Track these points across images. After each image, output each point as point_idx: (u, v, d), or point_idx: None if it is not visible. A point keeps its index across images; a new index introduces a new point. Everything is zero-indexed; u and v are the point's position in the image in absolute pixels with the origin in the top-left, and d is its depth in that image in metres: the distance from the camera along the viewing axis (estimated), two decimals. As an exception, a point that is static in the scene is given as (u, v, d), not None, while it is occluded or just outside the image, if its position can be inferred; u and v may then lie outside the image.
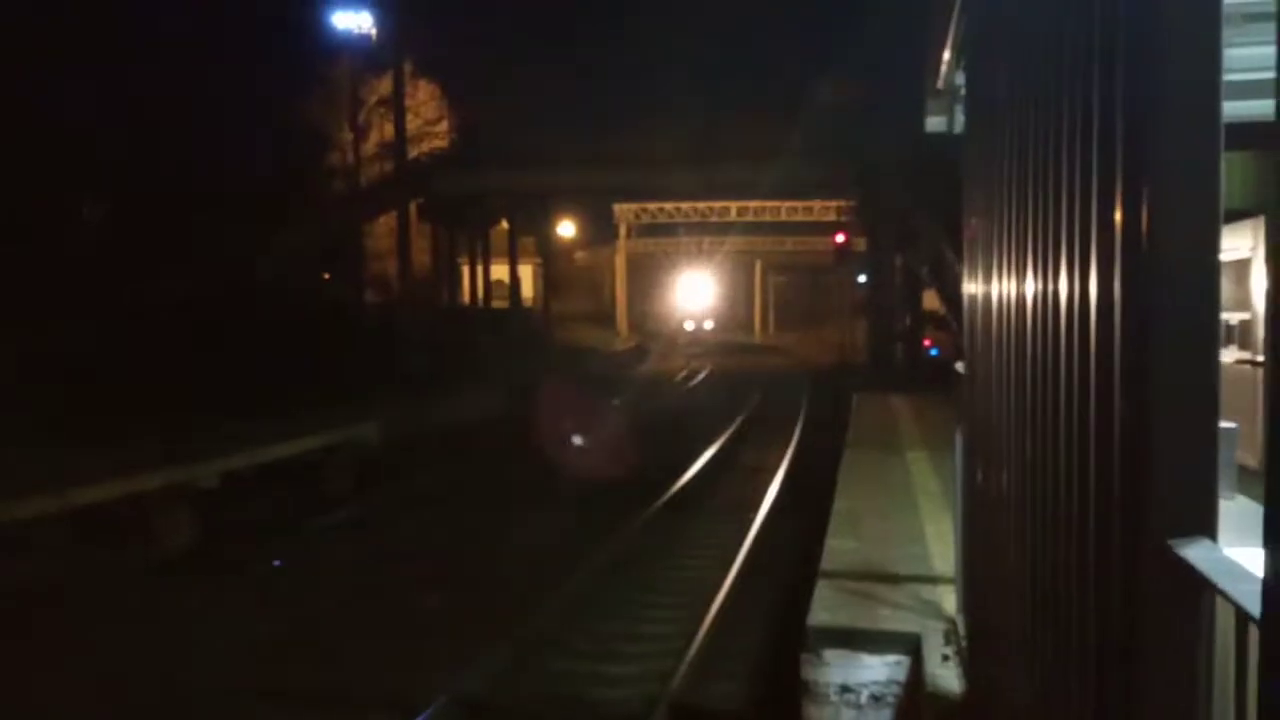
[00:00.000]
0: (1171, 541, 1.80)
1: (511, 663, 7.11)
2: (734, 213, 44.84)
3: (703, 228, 49.45)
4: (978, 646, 4.45)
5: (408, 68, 30.35)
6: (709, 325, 55.86)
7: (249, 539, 10.74)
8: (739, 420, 19.74)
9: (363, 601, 8.94)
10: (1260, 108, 3.69)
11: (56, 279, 15.26)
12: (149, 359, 14.22)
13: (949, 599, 5.60)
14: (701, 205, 44.80)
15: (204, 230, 19.56)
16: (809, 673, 5.40)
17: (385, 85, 31.08)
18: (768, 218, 45.20)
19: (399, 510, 12.50)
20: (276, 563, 10.21)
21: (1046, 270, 2.73)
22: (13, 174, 15.06)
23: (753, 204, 43.46)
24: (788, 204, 43.11)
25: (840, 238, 32.83)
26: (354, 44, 30.01)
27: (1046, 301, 2.72)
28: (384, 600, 8.95)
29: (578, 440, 17.47)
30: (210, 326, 16.27)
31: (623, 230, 50.10)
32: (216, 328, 16.31)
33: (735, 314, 61.06)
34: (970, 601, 4.81)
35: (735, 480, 14.01)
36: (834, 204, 37.91)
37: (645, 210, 47.52)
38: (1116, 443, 2.04)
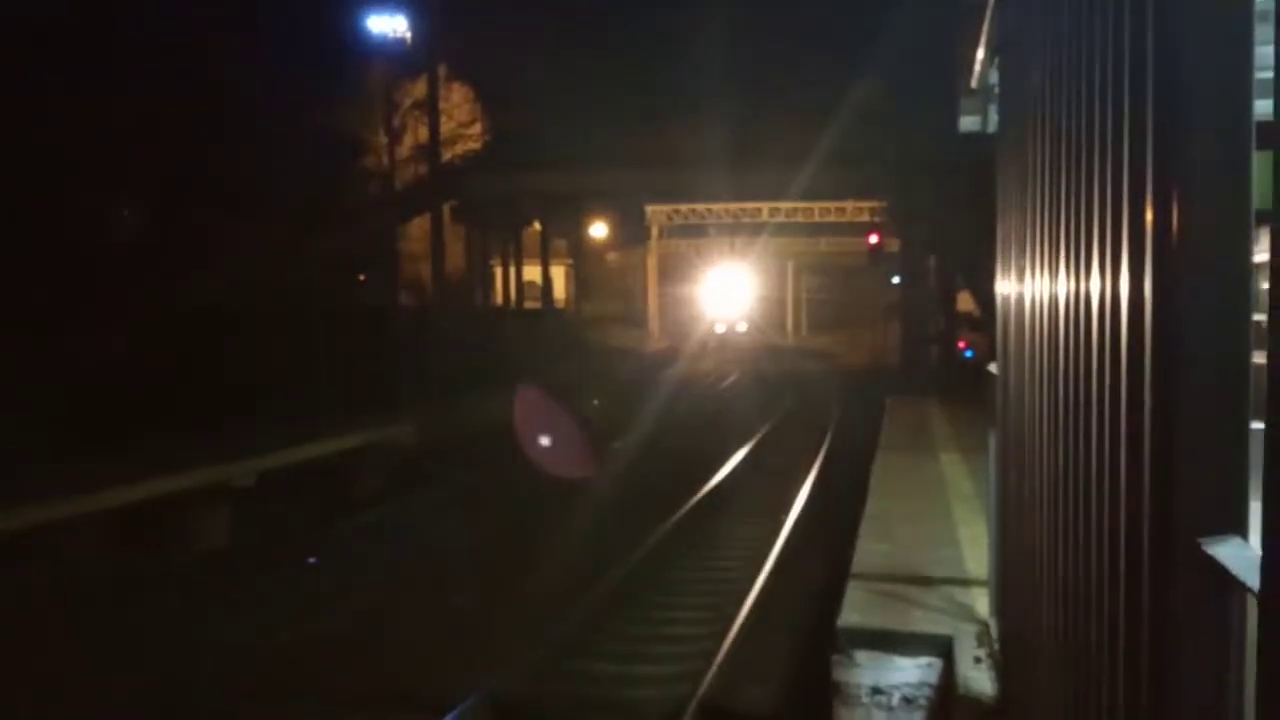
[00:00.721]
0: (1201, 540, 1.79)
1: (542, 663, 7.16)
2: (765, 214, 44.69)
3: (735, 229, 49.33)
4: (1011, 649, 4.42)
5: (442, 71, 30.62)
6: (742, 328, 52.00)
7: (284, 538, 10.89)
8: (769, 424, 19.68)
9: (396, 600, 9.04)
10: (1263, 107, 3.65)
11: (93, 283, 15.58)
12: (184, 362, 14.48)
13: (982, 602, 5.57)
14: (734, 206, 44.71)
15: (239, 234, 19.89)
16: (840, 674, 5.39)
17: (420, 88, 31.39)
18: (800, 219, 44.99)
19: (433, 510, 12.61)
20: (311, 560, 10.35)
21: (1078, 270, 2.73)
22: (52, 179, 15.41)
23: (785, 205, 43.28)
24: (820, 205, 42.88)
25: (874, 239, 32.60)
26: (389, 48, 30.35)
27: (1078, 301, 2.72)
28: (417, 599, 9.05)
29: (615, 444, 17.54)
30: (246, 329, 16.52)
31: (654, 231, 50.10)
32: (252, 330, 16.57)
33: (769, 315, 59.87)
34: (1003, 604, 4.78)
35: (766, 483, 13.93)
36: (867, 205, 37.66)
37: (677, 211, 47.50)
38: (1147, 442, 2.03)
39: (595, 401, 21.52)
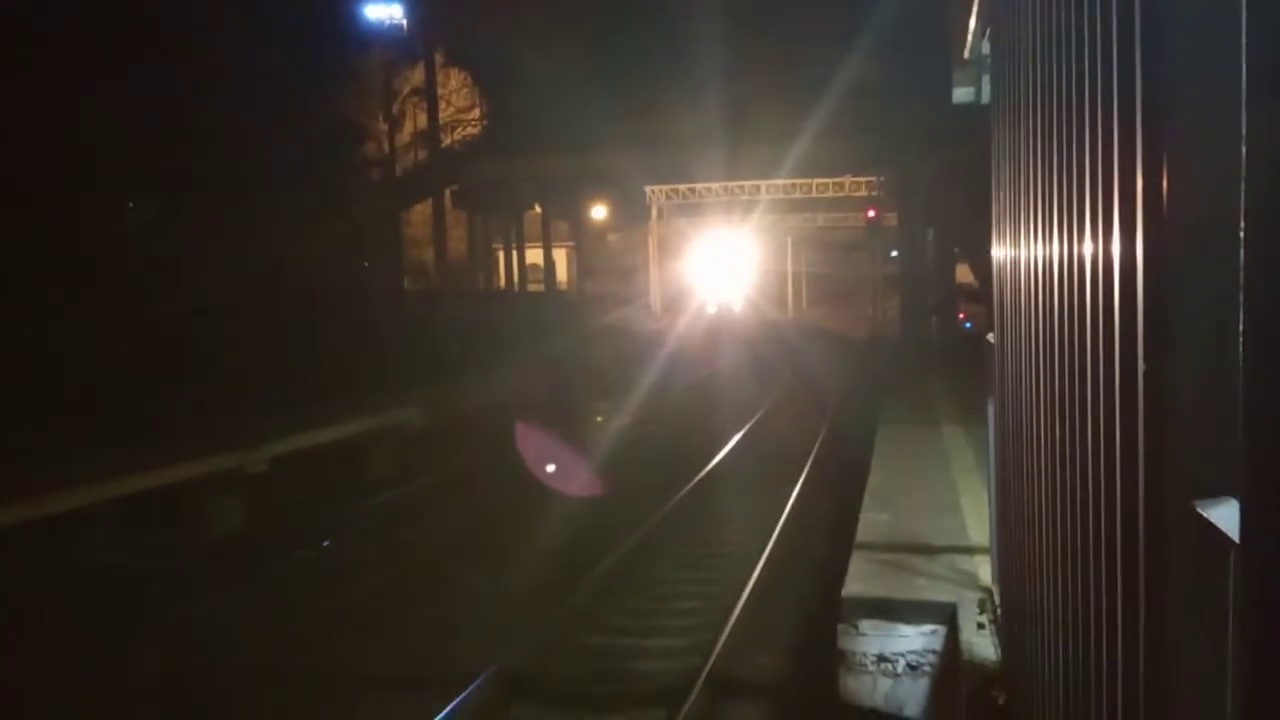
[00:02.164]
0: (1196, 502, 1.82)
1: (553, 638, 7.26)
2: (764, 191, 44.61)
3: (734, 206, 49.21)
4: (1012, 614, 4.49)
5: (439, 57, 30.49)
6: (736, 307, 47.85)
7: (298, 522, 11.00)
8: (770, 399, 19.74)
9: (408, 581, 9.15)
10: None
11: (102, 274, 15.62)
12: (193, 351, 14.54)
13: (984, 569, 5.64)
14: (732, 184, 44.62)
15: (244, 223, 19.91)
16: (846, 643, 5.47)
17: (418, 75, 31.27)
18: (798, 195, 44.91)
19: (443, 491, 12.71)
20: (325, 544, 10.46)
21: (1071, 238, 2.76)
22: (57, 172, 15.42)
23: (783, 182, 43.22)
24: (818, 181, 42.82)
25: (871, 213, 32.53)
26: (386, 35, 30.21)
27: (1072, 269, 2.75)
28: (429, 579, 9.15)
29: (618, 422, 17.61)
30: (253, 317, 16.57)
31: (654, 212, 50.00)
32: (259, 318, 16.62)
33: (767, 291, 59.59)
34: (1004, 570, 4.85)
35: (767, 464, 13.82)
36: (864, 179, 37.57)
37: (676, 191, 47.38)
38: (1140, 405, 2.07)
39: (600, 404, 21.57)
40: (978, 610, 5.14)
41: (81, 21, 15.95)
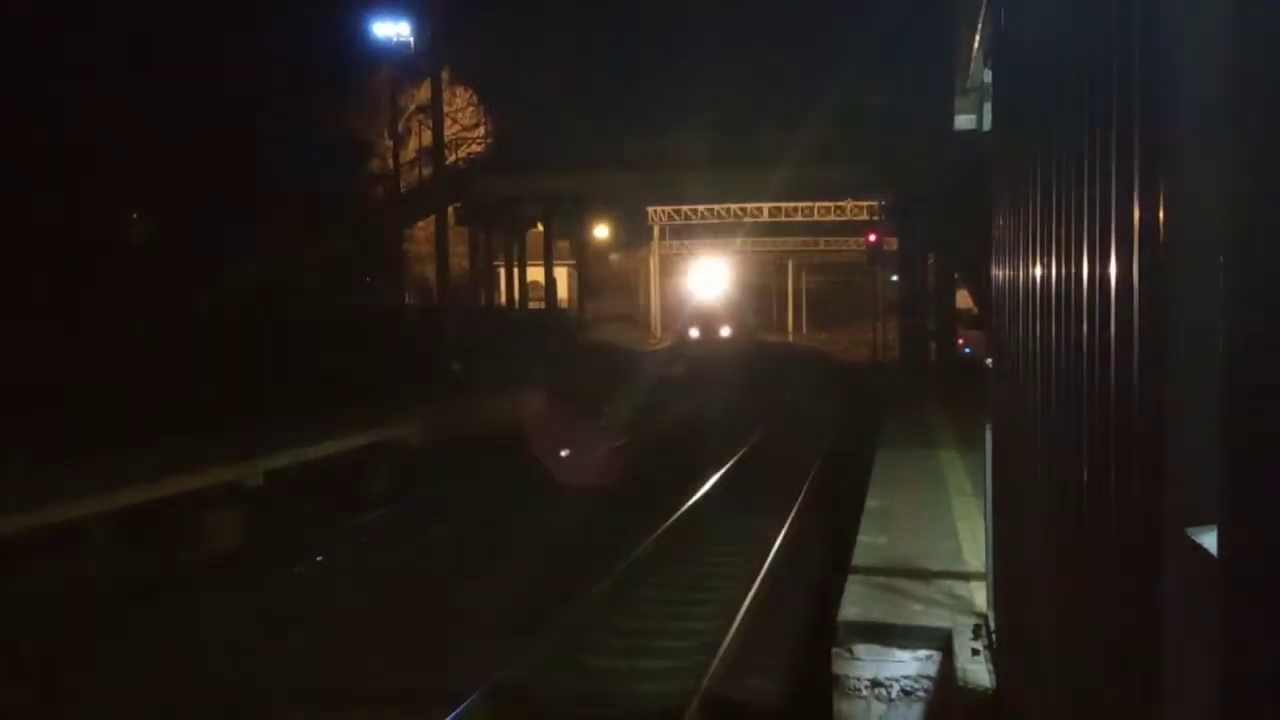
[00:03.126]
0: (1190, 530, 1.83)
1: (545, 658, 7.22)
2: (766, 213, 44.85)
3: (735, 229, 49.44)
4: (1008, 641, 4.48)
5: (445, 75, 30.65)
6: (725, 332, 40.02)
7: (293, 536, 10.96)
8: (767, 420, 19.72)
9: (403, 597, 9.11)
10: None
11: (104, 284, 15.65)
12: (193, 363, 14.56)
13: (980, 595, 5.62)
14: (734, 207, 44.87)
15: (247, 237, 19.99)
16: (840, 667, 5.45)
17: (423, 92, 31.43)
18: (800, 218, 45.15)
19: (440, 508, 12.68)
20: (319, 559, 10.42)
21: (1070, 264, 2.78)
22: (65, 183, 15.50)
23: (785, 205, 43.52)
24: (820, 204, 43.09)
25: (872, 237, 32.65)
26: (393, 52, 30.42)
27: (1069, 296, 2.77)
28: (424, 596, 9.12)
29: (615, 443, 17.61)
30: (254, 330, 16.60)
31: (656, 232, 50.23)
32: (260, 331, 16.65)
33: (765, 315, 59.23)
34: (1000, 596, 4.84)
35: (760, 492, 13.34)
36: (866, 204, 37.77)
37: (678, 212, 47.60)
38: (1136, 432, 2.08)
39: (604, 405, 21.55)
40: (973, 636, 5.12)
41: (88, 35, 16.10)
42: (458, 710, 6.17)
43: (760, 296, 56.90)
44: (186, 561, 9.93)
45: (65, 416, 11.18)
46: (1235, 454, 1.46)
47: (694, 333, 39.56)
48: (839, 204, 42.43)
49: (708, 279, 44.34)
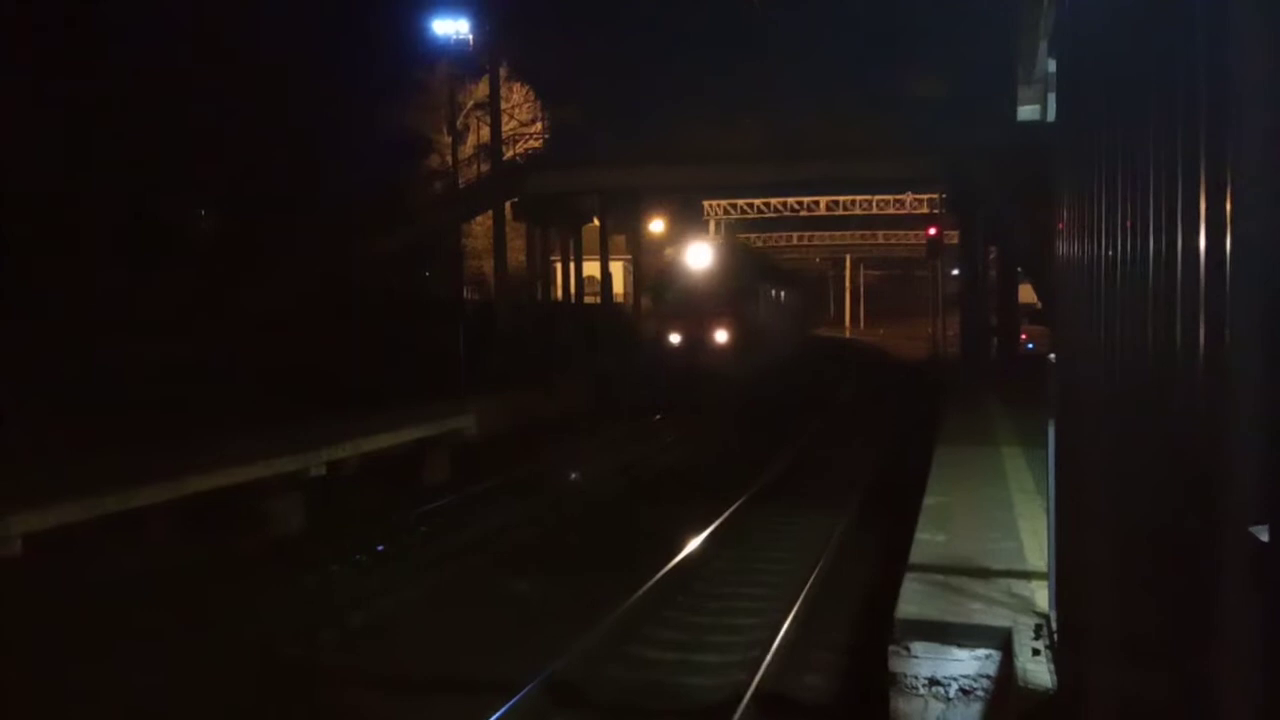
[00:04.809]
0: (1253, 528, 1.80)
1: (599, 643, 7.29)
2: (823, 207, 44.42)
3: (792, 223, 49.09)
4: (1070, 640, 4.41)
5: (503, 71, 30.97)
6: (722, 336, 26.41)
7: (355, 526, 11.21)
8: (825, 418, 19.56)
9: (460, 585, 9.27)
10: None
11: (172, 285, 16.14)
12: (258, 358, 14.95)
13: (1041, 594, 5.53)
14: (791, 200, 44.54)
15: (311, 235, 20.47)
16: (897, 665, 5.40)
17: (482, 89, 31.79)
18: (858, 211, 44.65)
19: (495, 498, 12.85)
20: (379, 548, 10.64)
21: (1135, 257, 2.73)
22: (135, 186, 16.02)
23: (843, 198, 43.07)
24: (878, 198, 42.55)
25: (933, 231, 32.15)
26: (452, 50, 30.76)
27: (1135, 292, 2.72)
28: (481, 584, 9.27)
29: (668, 436, 17.65)
30: (317, 325, 17.00)
31: (712, 227, 50.09)
32: (323, 326, 17.04)
33: (822, 309, 57.88)
34: (1063, 595, 4.76)
35: (819, 486, 13.49)
36: (925, 197, 37.19)
37: (735, 206, 47.42)
38: (1198, 430, 2.05)
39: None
40: (1034, 635, 5.04)
41: (156, 47, 16.58)
42: (514, 700, 6.27)
43: (817, 290, 55.96)
44: (251, 548, 10.22)
45: (138, 411, 11.57)
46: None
47: (674, 338, 26.00)
48: (898, 197, 41.84)
49: (696, 268, 27.72)
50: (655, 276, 32.63)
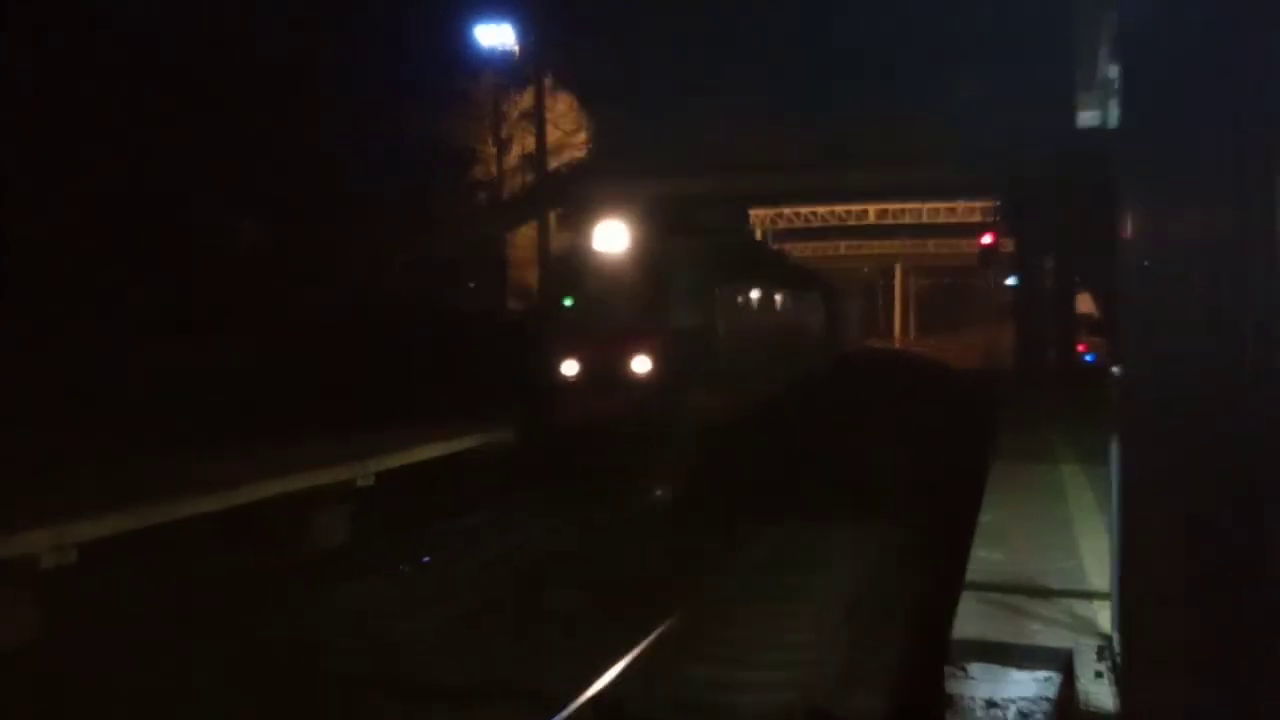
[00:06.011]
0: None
1: (644, 668, 7.23)
2: (872, 215, 43.90)
3: (841, 231, 48.61)
4: (1134, 663, 4.25)
5: (548, 81, 31.18)
6: (643, 367, 15.20)
7: (400, 537, 11.28)
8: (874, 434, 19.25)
9: (505, 597, 9.27)
10: None
11: (217, 292, 16.38)
12: (302, 370, 15.13)
13: (1104, 615, 5.36)
14: (839, 209, 44.11)
15: (354, 244, 20.73)
16: (954, 687, 5.27)
17: (526, 99, 32.00)
18: (908, 220, 44.06)
19: (539, 510, 12.86)
20: (425, 559, 10.70)
21: (1200, 270, 2.64)
22: (180, 195, 16.28)
23: (892, 206, 42.51)
24: (929, 206, 41.92)
25: (986, 239, 31.61)
26: (496, 60, 31.07)
27: (1196, 300, 2.63)
28: (526, 597, 9.26)
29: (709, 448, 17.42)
30: (362, 335, 17.19)
31: (758, 234, 49.84)
32: (368, 336, 17.23)
33: (870, 320, 56.82)
34: (1126, 617, 4.60)
35: (863, 503, 13.10)
36: (978, 204, 36.59)
37: (781, 215, 47.13)
38: (1266, 446, 1.98)
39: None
40: (1096, 658, 4.88)
41: (198, 54, 16.87)
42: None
43: (860, 299, 54.93)
44: (298, 558, 10.32)
45: (183, 421, 11.76)
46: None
47: (568, 369, 15.88)
48: (950, 205, 41.20)
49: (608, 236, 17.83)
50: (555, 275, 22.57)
